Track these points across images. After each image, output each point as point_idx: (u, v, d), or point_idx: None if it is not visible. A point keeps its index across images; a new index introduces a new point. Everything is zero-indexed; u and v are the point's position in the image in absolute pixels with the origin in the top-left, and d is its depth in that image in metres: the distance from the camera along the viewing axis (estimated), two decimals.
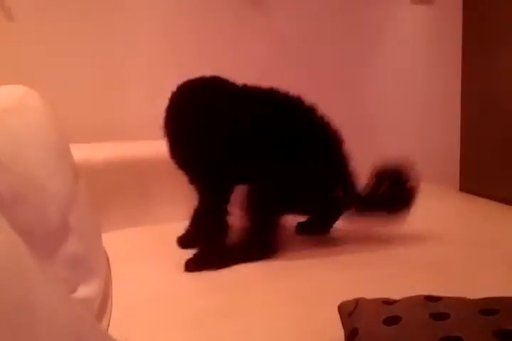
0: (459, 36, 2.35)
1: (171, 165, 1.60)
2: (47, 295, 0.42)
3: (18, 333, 0.35)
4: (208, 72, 1.93)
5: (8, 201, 0.85)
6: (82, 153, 1.40)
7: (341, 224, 1.41)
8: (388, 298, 0.78)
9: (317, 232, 1.44)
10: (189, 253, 1.26)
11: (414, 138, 2.31)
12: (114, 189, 1.52)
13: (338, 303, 0.82)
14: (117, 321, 0.97)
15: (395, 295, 0.80)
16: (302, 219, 1.46)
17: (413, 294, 0.79)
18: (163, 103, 1.93)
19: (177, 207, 1.58)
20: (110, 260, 1.09)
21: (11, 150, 1.04)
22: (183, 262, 1.21)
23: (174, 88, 1.46)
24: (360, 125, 2.26)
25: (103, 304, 1.02)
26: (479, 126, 2.33)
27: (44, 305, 0.41)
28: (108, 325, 0.97)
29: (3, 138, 1.03)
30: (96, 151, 1.58)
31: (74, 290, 0.95)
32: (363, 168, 2.14)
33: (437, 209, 1.59)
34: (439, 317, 0.70)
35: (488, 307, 0.71)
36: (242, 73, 2.04)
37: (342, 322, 0.78)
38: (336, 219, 1.42)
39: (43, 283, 0.43)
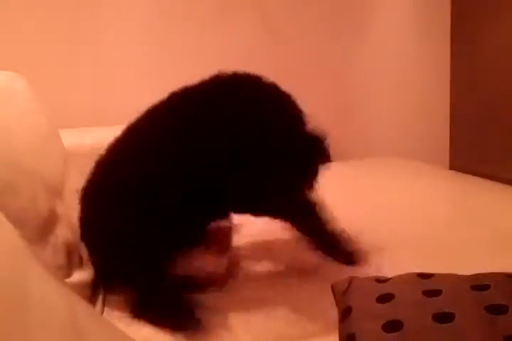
0: (447, 15, 2.34)
1: None
2: (41, 280, 0.42)
3: (11, 317, 0.35)
4: (192, 59, 1.93)
5: None
6: (71, 138, 1.39)
7: None
8: (381, 276, 0.79)
9: None
10: None
11: (404, 118, 2.31)
12: None
13: (332, 282, 0.82)
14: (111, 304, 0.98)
15: (387, 273, 0.81)
16: None
17: (404, 272, 0.79)
18: (150, 88, 1.93)
19: None
20: None
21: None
22: None
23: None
24: (350, 105, 2.26)
25: (96, 287, 1.02)
26: (468, 105, 2.34)
27: (38, 289, 0.41)
28: (103, 307, 0.98)
29: None
30: (85, 136, 1.57)
31: (69, 275, 0.95)
32: (352, 148, 2.15)
33: (427, 187, 1.60)
34: (432, 293, 0.71)
35: (480, 283, 0.71)
36: (229, 60, 2.03)
37: (336, 301, 0.78)
38: None
39: (37, 269, 0.43)
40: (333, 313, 0.77)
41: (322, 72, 2.20)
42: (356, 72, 2.27)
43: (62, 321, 0.41)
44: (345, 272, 0.96)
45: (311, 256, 1.12)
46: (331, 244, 1.10)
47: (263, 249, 1.19)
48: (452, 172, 2.02)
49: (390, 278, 0.78)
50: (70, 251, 1.00)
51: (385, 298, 0.72)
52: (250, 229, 1.25)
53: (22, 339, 0.35)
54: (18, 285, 0.39)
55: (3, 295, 0.36)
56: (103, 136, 1.60)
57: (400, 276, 0.78)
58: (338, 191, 1.37)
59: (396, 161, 1.89)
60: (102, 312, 0.95)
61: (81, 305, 0.49)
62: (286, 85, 1.88)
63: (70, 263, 0.99)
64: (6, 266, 0.39)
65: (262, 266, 1.13)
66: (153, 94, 1.94)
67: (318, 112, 2.20)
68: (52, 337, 0.38)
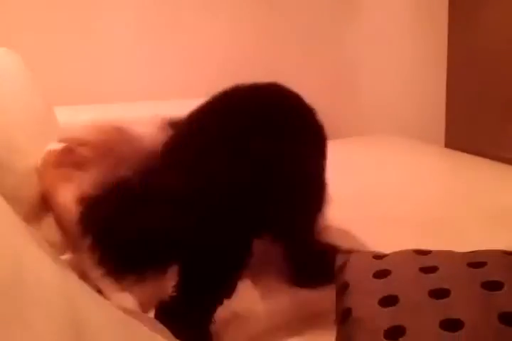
0: None
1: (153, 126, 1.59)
2: (36, 258, 0.42)
3: (7, 296, 0.35)
4: (188, 36, 1.90)
5: None
6: (65, 115, 1.37)
7: None
8: (378, 252, 0.80)
9: None
10: None
11: (399, 95, 2.30)
12: None
13: None
14: None
15: (384, 250, 0.81)
16: None
17: (401, 249, 0.80)
18: (145, 67, 1.91)
19: None
20: None
21: None
22: None
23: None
24: (345, 82, 2.24)
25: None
26: (465, 82, 2.33)
27: (33, 267, 0.40)
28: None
29: None
30: (79, 114, 1.55)
31: (63, 253, 0.95)
32: (347, 126, 2.15)
33: (422, 164, 1.60)
34: (428, 270, 0.72)
35: (476, 260, 0.72)
36: (226, 36, 2.01)
37: (334, 277, 0.79)
38: None
39: (32, 247, 0.43)
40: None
41: (317, 49, 2.18)
42: (351, 49, 2.25)
43: (58, 299, 0.41)
44: None
45: None
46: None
47: None
48: (447, 150, 2.02)
49: (386, 255, 0.78)
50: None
51: (381, 274, 0.72)
52: None
53: (18, 318, 0.35)
54: (13, 263, 0.38)
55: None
56: (97, 113, 1.60)
57: (397, 253, 0.78)
58: (332, 169, 1.36)
59: (391, 139, 1.88)
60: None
61: (76, 283, 0.48)
62: (282, 61, 1.87)
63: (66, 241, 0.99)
64: (1, 243, 0.39)
65: None
66: (148, 73, 1.93)
67: (313, 89, 2.19)
68: (48, 315, 0.38)
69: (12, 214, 0.47)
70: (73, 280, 0.48)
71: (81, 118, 1.52)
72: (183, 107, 1.64)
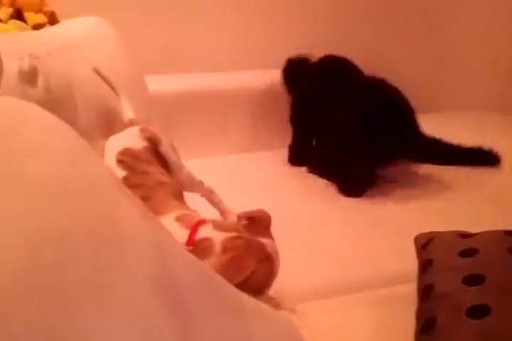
0: None
1: (244, 97, 1.61)
2: (128, 207, 0.43)
3: (109, 252, 0.37)
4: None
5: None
6: (155, 84, 1.41)
7: None
8: (465, 231, 0.77)
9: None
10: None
11: (499, 70, 2.17)
12: (187, 119, 1.54)
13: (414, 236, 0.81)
14: None
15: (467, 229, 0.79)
16: None
17: (485, 229, 0.77)
18: (230, 36, 1.91)
19: (247, 138, 1.60)
20: None
21: (88, 82, 1.06)
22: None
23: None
24: (442, 55, 2.14)
25: None
26: None
27: (127, 217, 0.41)
28: None
29: (80, 71, 1.05)
30: (168, 83, 1.59)
31: None
32: (443, 100, 2.06)
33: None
34: None
35: None
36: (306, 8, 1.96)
37: (416, 254, 0.77)
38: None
39: (123, 196, 0.44)
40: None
41: (413, 17, 2.09)
42: (445, 20, 2.14)
43: (153, 251, 0.41)
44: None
45: None
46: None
47: None
48: None
49: (475, 234, 0.76)
50: None
51: (468, 253, 0.70)
52: None
53: (117, 261, 0.36)
54: (111, 218, 0.39)
55: (99, 230, 0.37)
56: (186, 82, 1.63)
57: (486, 232, 0.75)
58: None
59: (487, 115, 1.79)
60: None
61: (164, 232, 0.49)
62: (370, 29, 1.80)
63: None
64: (100, 198, 0.40)
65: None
66: (233, 45, 1.94)
67: (409, 62, 2.11)
68: (144, 268, 0.39)
69: (107, 168, 0.47)
70: (161, 227, 0.49)
71: (170, 87, 1.58)
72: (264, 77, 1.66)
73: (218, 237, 0.72)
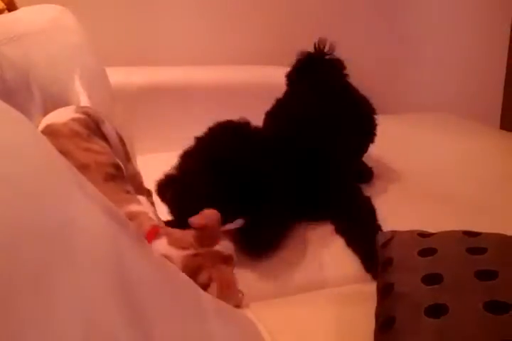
0: None
1: (206, 92, 1.59)
2: (80, 200, 0.41)
3: (56, 245, 0.35)
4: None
5: None
6: (118, 76, 1.38)
7: None
8: (424, 231, 0.78)
9: None
10: None
11: (457, 73, 2.22)
12: (149, 113, 1.52)
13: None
14: None
15: (429, 229, 0.80)
16: None
17: (448, 229, 0.78)
18: (197, 29, 1.89)
19: None
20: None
21: (46, 72, 1.03)
22: None
23: None
24: (402, 57, 2.17)
25: None
26: None
27: (82, 215, 0.40)
28: None
29: (37, 60, 1.02)
30: (132, 75, 1.56)
31: None
32: (401, 102, 2.09)
33: (476, 145, 1.55)
34: (476, 251, 0.70)
35: None
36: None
37: (378, 253, 0.78)
38: None
39: (78, 189, 0.42)
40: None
41: (374, 17, 2.11)
42: (410, 21, 2.17)
43: (107, 249, 0.40)
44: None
45: None
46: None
47: None
48: (503, 131, 1.95)
49: (433, 233, 0.77)
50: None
51: (427, 252, 0.71)
52: None
53: (66, 267, 0.35)
54: (62, 211, 0.38)
55: (47, 222, 0.35)
56: (150, 75, 1.61)
57: (445, 232, 0.76)
58: (385, 144, 1.34)
59: (445, 117, 1.83)
60: None
61: (123, 233, 0.48)
62: (335, 28, 1.81)
63: None
64: (51, 189, 0.38)
65: None
66: (202, 36, 1.91)
67: (369, 62, 2.12)
68: (97, 264, 0.38)
69: (64, 162, 0.45)
70: (122, 227, 0.47)
71: (132, 79, 1.54)
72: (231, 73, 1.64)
73: (177, 256, 0.72)
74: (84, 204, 0.41)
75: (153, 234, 0.73)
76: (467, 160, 1.41)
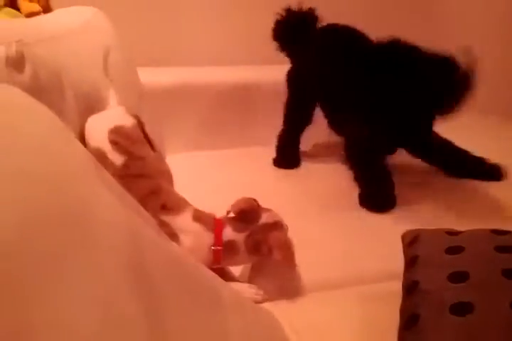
0: None
1: (237, 91, 1.60)
2: (103, 193, 0.42)
3: (76, 232, 0.36)
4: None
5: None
6: (147, 76, 1.40)
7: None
8: (452, 229, 0.77)
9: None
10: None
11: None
12: (177, 113, 1.54)
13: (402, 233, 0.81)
14: None
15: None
16: None
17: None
18: (224, 31, 1.90)
19: (239, 133, 1.59)
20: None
21: (77, 72, 1.05)
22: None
23: None
24: None
25: None
26: None
27: (102, 202, 0.40)
28: None
29: (70, 60, 1.04)
30: (161, 75, 1.58)
31: None
32: None
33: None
34: (504, 249, 0.68)
35: None
36: None
37: (403, 250, 0.77)
38: None
39: (100, 182, 0.43)
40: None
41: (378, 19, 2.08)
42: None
43: (126, 239, 0.41)
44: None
45: None
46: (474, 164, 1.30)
47: None
48: None
49: (461, 232, 0.76)
50: None
51: (454, 250, 0.70)
52: None
53: (84, 250, 0.35)
54: (83, 202, 0.38)
55: (67, 213, 0.36)
56: (179, 75, 1.62)
57: (473, 230, 0.75)
58: None
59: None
60: None
61: (140, 223, 0.48)
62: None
63: None
64: (73, 178, 0.39)
65: None
66: (229, 38, 1.93)
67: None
68: (115, 255, 0.38)
69: (86, 154, 0.46)
70: (140, 223, 0.48)
71: (162, 79, 1.56)
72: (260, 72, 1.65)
73: (240, 238, 0.86)
74: (105, 195, 0.42)
75: (219, 224, 0.87)
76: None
